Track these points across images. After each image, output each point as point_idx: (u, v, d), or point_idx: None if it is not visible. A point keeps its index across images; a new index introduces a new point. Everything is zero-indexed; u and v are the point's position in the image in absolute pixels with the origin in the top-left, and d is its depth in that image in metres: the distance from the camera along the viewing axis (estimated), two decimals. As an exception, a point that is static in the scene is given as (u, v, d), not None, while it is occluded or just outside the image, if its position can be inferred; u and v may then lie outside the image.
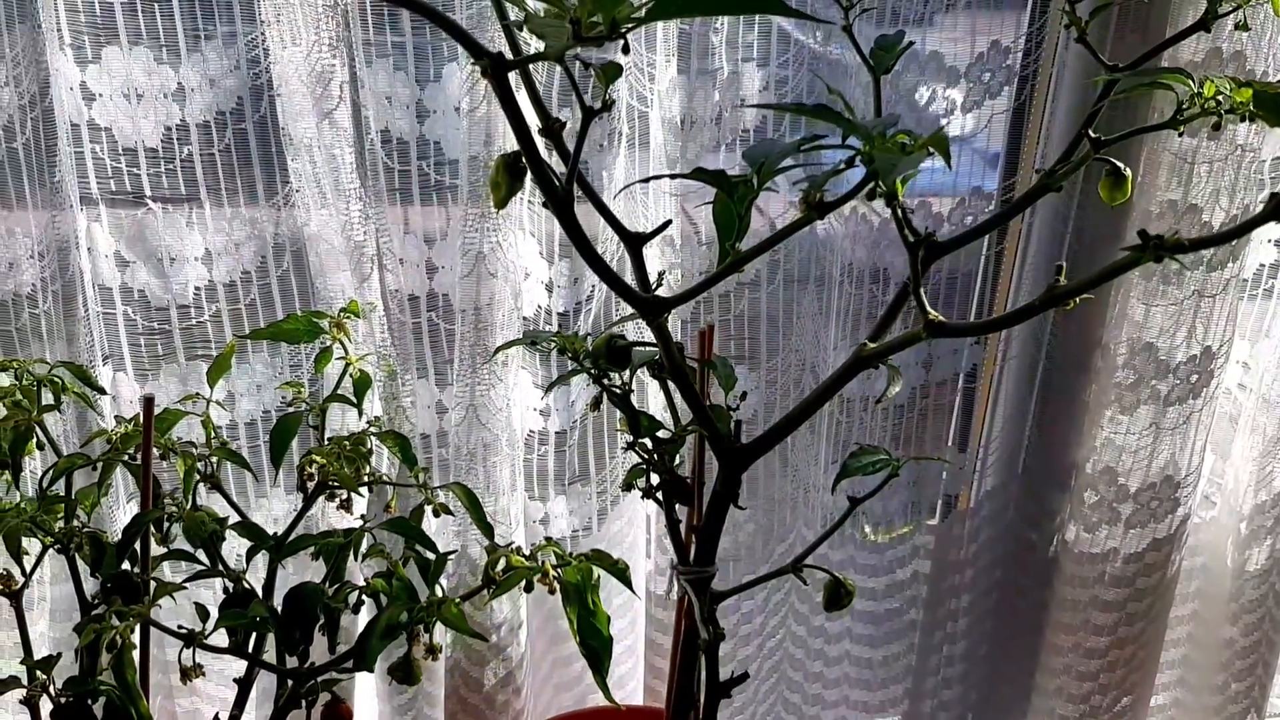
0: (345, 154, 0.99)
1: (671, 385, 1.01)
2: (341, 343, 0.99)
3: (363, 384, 1.01)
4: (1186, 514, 1.27)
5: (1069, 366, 1.26)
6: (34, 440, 0.87)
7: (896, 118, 0.68)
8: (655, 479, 0.99)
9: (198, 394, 0.98)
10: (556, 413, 1.16)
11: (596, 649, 0.67)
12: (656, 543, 1.25)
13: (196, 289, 1.05)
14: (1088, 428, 1.25)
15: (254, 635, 0.78)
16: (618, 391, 0.94)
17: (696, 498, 1.00)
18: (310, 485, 0.97)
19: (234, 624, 0.71)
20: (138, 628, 0.72)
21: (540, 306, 1.11)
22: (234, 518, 0.93)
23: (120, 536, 0.81)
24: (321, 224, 1.02)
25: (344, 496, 1.01)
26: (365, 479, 0.98)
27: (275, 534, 0.95)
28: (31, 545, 0.95)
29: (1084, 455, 1.26)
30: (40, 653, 0.99)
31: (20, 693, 0.91)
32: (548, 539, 0.70)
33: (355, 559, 0.85)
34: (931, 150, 0.65)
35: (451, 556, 1.15)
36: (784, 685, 1.34)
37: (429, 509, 0.97)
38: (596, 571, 0.70)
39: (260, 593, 0.93)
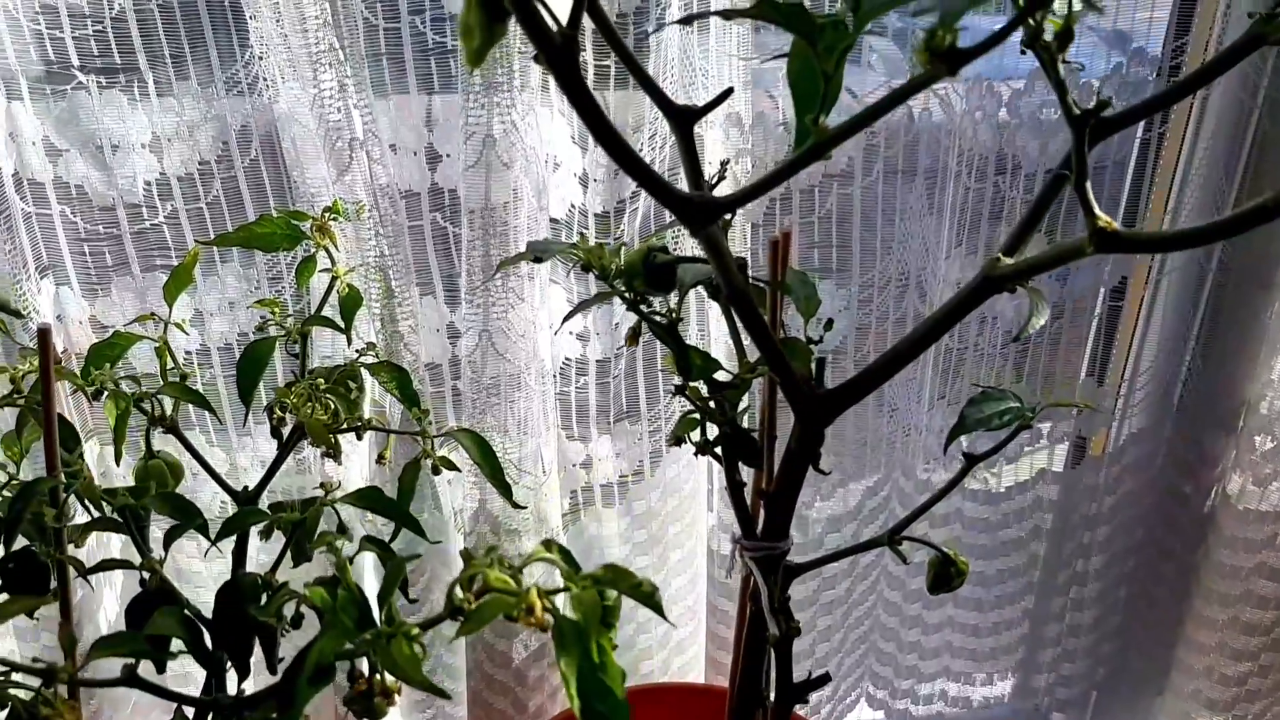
0: (314, 6, 0.76)
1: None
2: (327, 250, 0.79)
3: (352, 302, 0.81)
4: (1389, 467, 1.02)
5: (1245, 281, 0.99)
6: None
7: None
8: (713, 431, 0.78)
9: (154, 314, 0.78)
10: (597, 337, 0.94)
11: (604, 715, 0.46)
12: (720, 494, 1.04)
13: (146, 183, 0.84)
14: (1265, 357, 0.99)
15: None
16: (660, 321, 0.71)
17: (766, 456, 0.79)
18: (286, 430, 0.78)
19: (112, 653, 0.52)
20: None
21: (573, 205, 0.88)
22: (195, 467, 0.75)
23: (7, 511, 0.62)
24: (292, 100, 0.81)
25: (332, 442, 0.82)
26: (347, 424, 0.78)
27: (246, 488, 0.77)
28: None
29: (1258, 391, 1.00)
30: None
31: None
32: (546, 542, 0.49)
33: (309, 541, 0.65)
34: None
35: (465, 514, 0.96)
36: (873, 657, 1.13)
37: (427, 463, 0.78)
38: (612, 595, 0.49)
39: (232, 566, 0.75)
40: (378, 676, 0.52)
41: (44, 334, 0.65)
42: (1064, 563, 1.10)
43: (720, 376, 0.75)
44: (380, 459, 0.85)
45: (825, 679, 0.81)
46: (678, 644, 1.13)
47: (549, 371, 0.93)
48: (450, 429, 0.78)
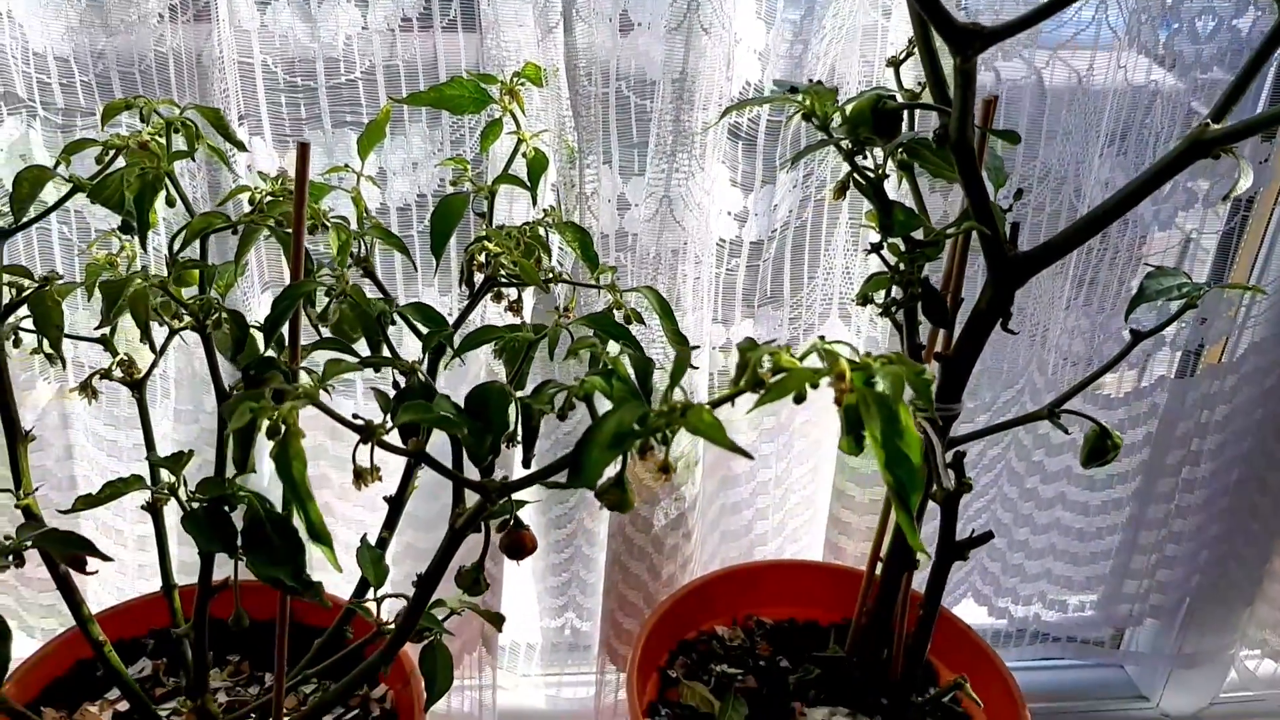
0: None
1: (922, 179, 0.82)
2: (513, 115, 0.82)
3: (538, 165, 0.84)
4: None
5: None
6: (163, 196, 0.72)
7: None
8: (897, 293, 0.82)
9: (347, 166, 0.82)
10: (755, 218, 0.98)
11: (903, 480, 0.50)
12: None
13: (348, 37, 0.87)
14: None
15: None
16: (871, 175, 0.75)
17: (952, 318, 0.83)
18: (479, 278, 0.82)
19: (419, 419, 0.56)
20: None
21: (748, 83, 0.91)
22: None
23: (270, 310, 0.65)
24: (500, -43, 0.84)
25: (513, 297, 0.85)
26: (545, 275, 0.82)
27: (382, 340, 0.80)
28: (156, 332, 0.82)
29: (1381, 307, 1.04)
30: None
31: (141, 497, 0.78)
32: (820, 337, 0.53)
33: (550, 359, 0.69)
34: None
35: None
36: (984, 551, 1.17)
37: (619, 314, 0.82)
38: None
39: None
40: (660, 451, 0.55)
41: (304, 148, 0.68)
42: (1171, 470, 1.14)
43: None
44: (566, 311, 0.88)
45: (989, 536, 0.86)
46: (792, 532, 1.17)
47: (709, 248, 0.96)
48: (634, 287, 0.82)
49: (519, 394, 0.66)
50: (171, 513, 0.80)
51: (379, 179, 0.94)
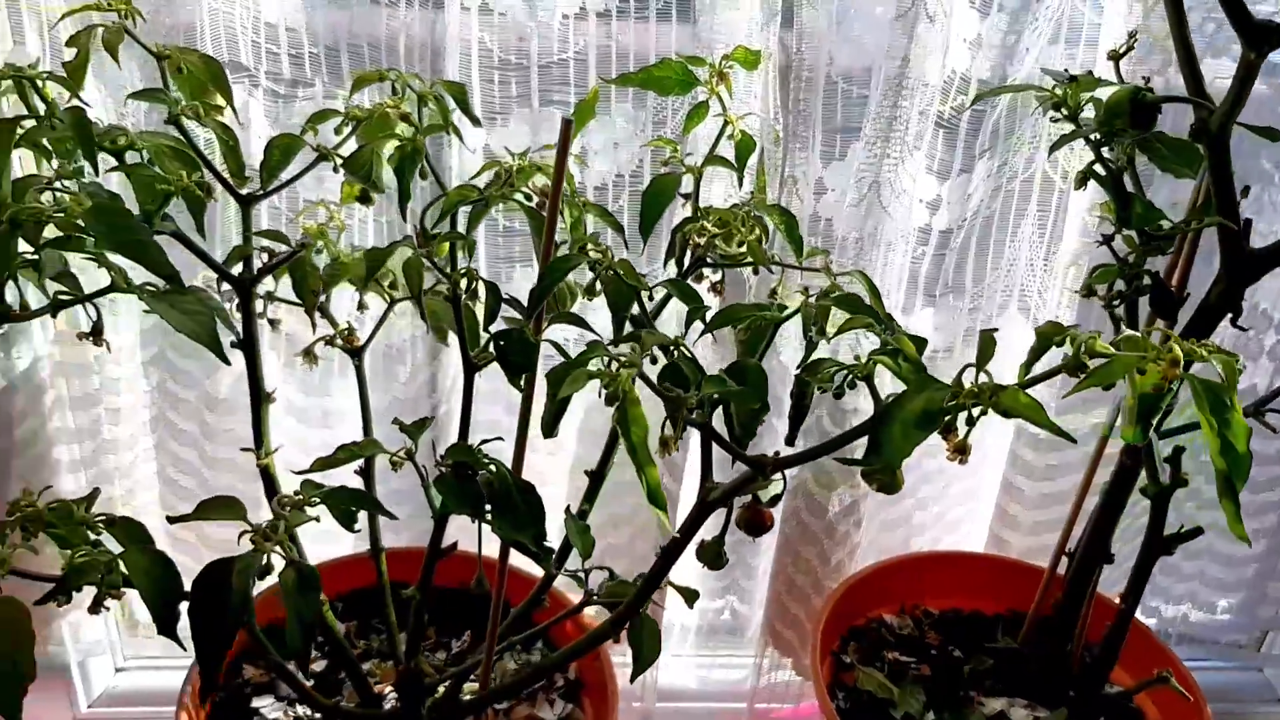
0: None
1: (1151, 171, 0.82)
2: (720, 98, 0.83)
3: (745, 147, 0.85)
4: None
5: None
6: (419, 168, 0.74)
7: None
8: (1122, 285, 0.82)
9: (553, 145, 0.83)
10: (948, 206, 0.98)
11: (1232, 466, 0.50)
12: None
13: (564, 16, 0.88)
14: None
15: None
16: (1113, 167, 0.75)
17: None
18: (688, 258, 0.83)
19: (717, 390, 0.57)
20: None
21: (954, 71, 0.92)
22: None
23: (538, 282, 0.67)
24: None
25: (717, 278, 0.87)
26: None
27: (643, 311, 0.82)
28: (370, 301, 0.84)
29: None
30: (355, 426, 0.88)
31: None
32: (1054, 321, 0.54)
33: (806, 334, 0.70)
34: None
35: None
36: (1145, 550, 1.17)
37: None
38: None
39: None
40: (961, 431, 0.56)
41: (567, 124, 0.69)
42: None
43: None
44: (772, 295, 0.89)
45: (1198, 531, 0.86)
46: (952, 522, 1.17)
47: (904, 235, 0.97)
48: (846, 271, 0.83)
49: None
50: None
51: (581, 157, 0.95)
